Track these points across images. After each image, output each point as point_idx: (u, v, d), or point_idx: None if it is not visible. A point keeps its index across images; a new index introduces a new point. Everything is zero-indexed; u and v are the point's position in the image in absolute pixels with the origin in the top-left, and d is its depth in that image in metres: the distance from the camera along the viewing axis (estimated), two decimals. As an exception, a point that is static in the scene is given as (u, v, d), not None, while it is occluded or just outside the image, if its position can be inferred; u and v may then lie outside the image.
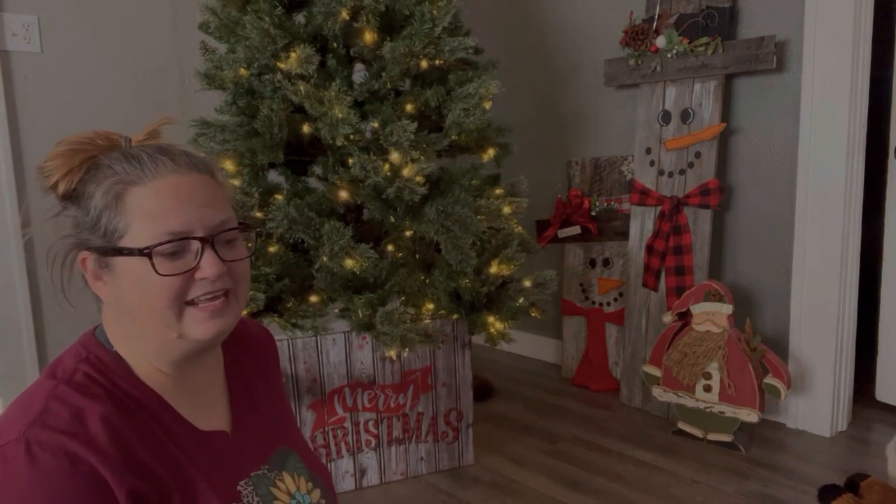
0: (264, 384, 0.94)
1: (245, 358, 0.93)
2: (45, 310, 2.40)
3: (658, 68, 2.36)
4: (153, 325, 0.73)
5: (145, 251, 0.70)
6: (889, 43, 2.31)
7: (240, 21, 1.95)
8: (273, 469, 0.86)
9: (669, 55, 2.32)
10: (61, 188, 0.74)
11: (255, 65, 1.96)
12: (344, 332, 1.92)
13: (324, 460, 1.89)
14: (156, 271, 0.70)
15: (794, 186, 2.21)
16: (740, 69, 2.21)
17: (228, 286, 0.75)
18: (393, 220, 1.99)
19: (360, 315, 1.87)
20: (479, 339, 2.17)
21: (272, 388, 0.96)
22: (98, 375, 0.73)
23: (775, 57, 2.14)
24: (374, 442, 1.95)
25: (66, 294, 0.76)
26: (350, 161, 1.89)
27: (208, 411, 0.83)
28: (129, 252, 0.70)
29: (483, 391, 2.59)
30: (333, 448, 1.90)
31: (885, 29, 2.32)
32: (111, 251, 0.72)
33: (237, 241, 0.78)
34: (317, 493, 0.90)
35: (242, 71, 1.97)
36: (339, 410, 1.87)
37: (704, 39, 2.24)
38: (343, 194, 1.91)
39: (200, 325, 0.73)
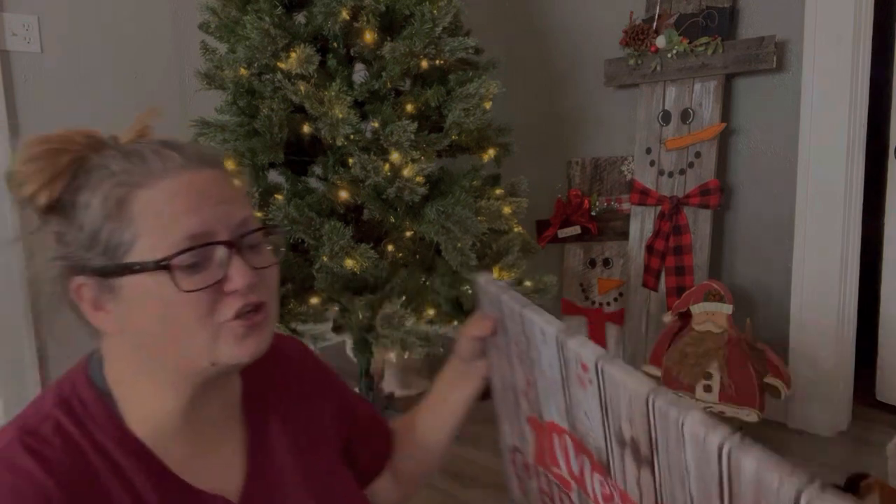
0: (305, 425, 0.76)
1: (276, 388, 0.76)
2: (45, 309, 2.40)
3: (658, 68, 2.36)
4: (180, 353, 0.60)
5: (162, 263, 0.57)
6: (889, 43, 2.31)
7: (240, 21, 1.95)
8: None
9: (669, 55, 2.32)
10: (43, 199, 0.60)
11: (256, 65, 1.96)
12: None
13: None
14: (178, 287, 0.58)
15: (794, 186, 2.21)
16: (740, 69, 2.21)
17: (264, 299, 0.62)
18: (393, 220, 1.99)
19: (361, 317, 1.87)
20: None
21: (317, 429, 0.77)
22: (71, 425, 0.61)
23: (775, 57, 2.14)
24: None
25: (52, 329, 0.66)
26: (350, 161, 1.89)
27: (213, 462, 0.68)
28: (142, 268, 0.58)
29: (483, 390, 2.59)
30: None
31: (885, 29, 2.32)
32: (117, 270, 0.59)
33: (262, 246, 0.65)
34: None
35: (242, 71, 1.97)
36: (562, 468, 0.86)
37: (704, 39, 2.24)
38: (343, 194, 1.91)
39: (237, 346, 0.61)
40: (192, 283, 0.58)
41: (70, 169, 0.60)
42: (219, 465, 0.68)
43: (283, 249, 0.67)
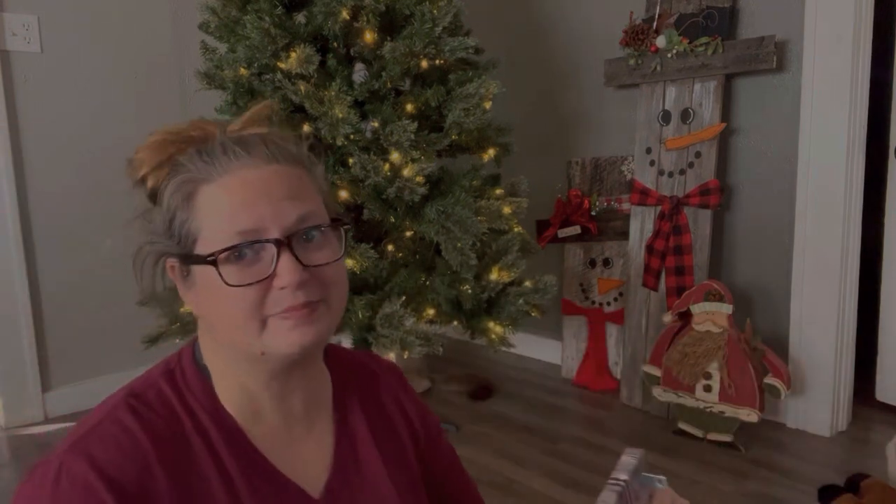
0: (390, 438, 0.77)
1: (364, 398, 0.77)
2: (45, 309, 2.40)
3: (658, 68, 2.36)
4: (236, 341, 0.64)
5: (209, 258, 0.60)
6: (889, 43, 2.31)
7: (240, 21, 1.95)
8: None
9: (669, 55, 2.32)
10: (150, 184, 0.65)
11: (256, 64, 1.96)
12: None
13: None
14: (224, 281, 0.60)
15: (794, 186, 2.21)
16: (740, 69, 2.21)
17: (314, 297, 0.63)
18: (393, 220, 1.99)
19: (360, 316, 1.87)
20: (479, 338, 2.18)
21: (399, 444, 0.78)
22: (172, 394, 0.66)
23: (775, 57, 2.14)
24: None
25: (158, 300, 0.69)
26: (350, 161, 1.89)
27: (298, 453, 0.70)
28: (197, 260, 0.62)
29: (483, 391, 2.60)
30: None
31: (885, 29, 2.32)
32: (185, 258, 0.64)
33: (326, 241, 0.65)
34: None
35: (242, 70, 1.97)
36: None
37: (704, 39, 2.24)
38: (343, 194, 1.91)
39: (283, 337, 0.62)
40: (241, 277, 0.61)
41: (171, 160, 0.65)
42: (304, 456, 0.70)
43: (345, 246, 0.68)
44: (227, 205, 0.61)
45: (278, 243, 0.61)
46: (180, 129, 0.65)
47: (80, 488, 0.58)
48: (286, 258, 0.61)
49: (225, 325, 0.64)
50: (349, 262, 1.84)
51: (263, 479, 0.66)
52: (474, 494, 0.90)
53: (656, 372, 2.26)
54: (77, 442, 0.61)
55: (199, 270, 0.63)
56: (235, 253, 0.61)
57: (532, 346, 3.01)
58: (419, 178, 1.89)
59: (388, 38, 1.95)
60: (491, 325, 2.08)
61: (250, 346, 0.63)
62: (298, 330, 0.62)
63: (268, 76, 1.98)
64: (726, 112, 2.32)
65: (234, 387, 0.67)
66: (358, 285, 1.98)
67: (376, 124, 1.93)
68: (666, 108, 2.39)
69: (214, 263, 0.60)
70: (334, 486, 0.70)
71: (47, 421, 2.40)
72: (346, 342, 2.39)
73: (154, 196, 0.65)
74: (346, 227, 0.68)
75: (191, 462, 0.63)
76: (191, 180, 0.63)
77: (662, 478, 0.73)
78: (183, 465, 0.62)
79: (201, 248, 0.62)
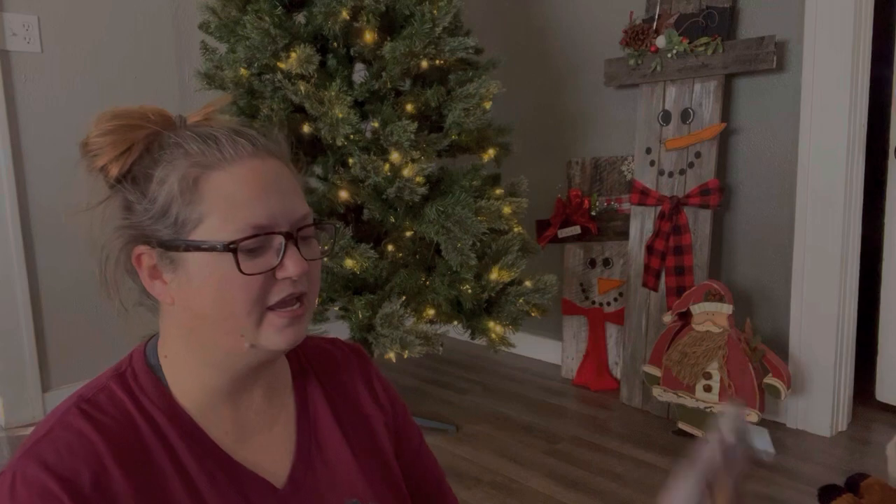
0: (356, 422, 0.78)
1: (326, 384, 0.79)
2: (44, 309, 2.40)
3: (658, 68, 2.36)
4: (225, 331, 0.64)
5: (231, 246, 0.61)
6: (889, 42, 2.31)
7: (240, 21, 1.95)
8: None
9: (669, 55, 2.32)
10: (114, 171, 0.64)
11: (256, 65, 1.96)
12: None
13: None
14: (240, 270, 0.61)
15: (794, 186, 2.21)
16: (740, 69, 2.21)
17: (308, 290, 0.67)
18: (393, 220, 1.99)
19: (360, 316, 1.87)
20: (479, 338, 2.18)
21: (369, 428, 0.79)
22: (123, 395, 0.65)
23: (775, 57, 2.14)
24: None
25: (121, 297, 0.68)
26: (350, 161, 1.89)
27: (260, 445, 0.71)
28: (210, 247, 0.61)
29: None
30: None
31: (885, 29, 2.32)
32: (184, 245, 0.62)
33: (313, 239, 0.69)
34: None
35: (243, 71, 1.97)
36: None
37: (704, 39, 2.24)
38: (343, 194, 1.91)
39: (278, 334, 0.65)
40: (251, 266, 0.62)
41: (142, 144, 0.64)
42: (266, 447, 0.71)
43: (326, 247, 0.73)
44: (240, 195, 0.62)
45: (287, 236, 0.64)
46: (139, 114, 0.65)
47: (36, 492, 0.57)
48: (292, 251, 0.64)
49: (221, 314, 0.64)
50: (349, 262, 1.84)
51: (224, 473, 0.66)
52: (441, 479, 0.90)
53: (656, 372, 2.26)
54: (29, 450, 0.60)
55: (195, 258, 0.62)
56: (253, 243, 0.62)
57: (532, 346, 3.02)
58: (419, 178, 1.90)
59: (388, 38, 1.95)
60: (491, 325, 2.08)
61: (241, 337, 0.64)
62: (293, 327, 0.66)
63: (268, 76, 1.98)
64: (726, 112, 2.32)
65: (192, 383, 0.68)
66: (358, 285, 1.98)
67: (376, 124, 1.93)
68: (666, 108, 2.39)
69: (234, 251, 0.61)
70: (298, 474, 0.71)
71: (47, 421, 2.40)
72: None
73: (119, 182, 0.64)
74: (336, 227, 0.72)
75: (147, 460, 0.63)
76: (197, 165, 0.62)
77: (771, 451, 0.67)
78: (139, 462, 0.62)
79: (204, 235, 0.62)
